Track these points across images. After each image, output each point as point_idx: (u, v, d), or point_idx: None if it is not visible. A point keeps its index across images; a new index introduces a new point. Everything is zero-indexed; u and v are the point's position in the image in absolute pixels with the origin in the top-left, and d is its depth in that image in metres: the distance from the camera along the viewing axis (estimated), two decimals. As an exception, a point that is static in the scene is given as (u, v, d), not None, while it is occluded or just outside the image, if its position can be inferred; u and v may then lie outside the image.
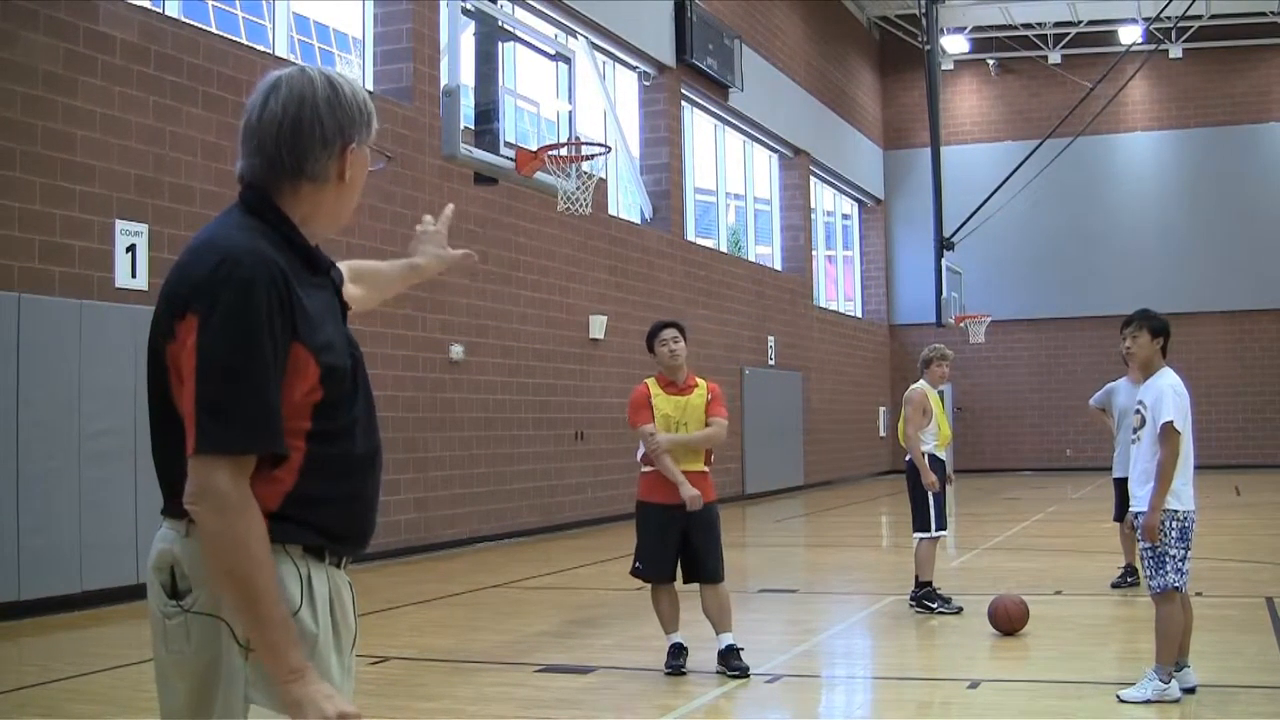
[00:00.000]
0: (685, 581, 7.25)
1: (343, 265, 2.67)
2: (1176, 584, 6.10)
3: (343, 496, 2.32)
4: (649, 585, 7.30)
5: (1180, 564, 6.12)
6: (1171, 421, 6.12)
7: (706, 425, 7.21)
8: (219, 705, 2.20)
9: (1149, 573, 6.23)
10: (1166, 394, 6.22)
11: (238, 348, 2.13)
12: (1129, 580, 9.81)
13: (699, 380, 7.34)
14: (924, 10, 25.69)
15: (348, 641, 2.36)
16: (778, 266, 25.90)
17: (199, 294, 2.17)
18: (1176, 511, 6.15)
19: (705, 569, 7.19)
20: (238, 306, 2.14)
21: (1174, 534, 6.13)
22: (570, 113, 11.23)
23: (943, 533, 9.35)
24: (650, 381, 7.32)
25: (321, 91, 2.33)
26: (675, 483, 7.07)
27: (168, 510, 2.28)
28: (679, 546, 7.17)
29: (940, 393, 9.54)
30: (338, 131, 2.33)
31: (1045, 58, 30.69)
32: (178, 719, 2.25)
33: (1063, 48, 30.54)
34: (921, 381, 9.44)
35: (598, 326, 17.44)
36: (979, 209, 23.38)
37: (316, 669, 2.19)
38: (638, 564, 7.28)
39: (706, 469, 7.26)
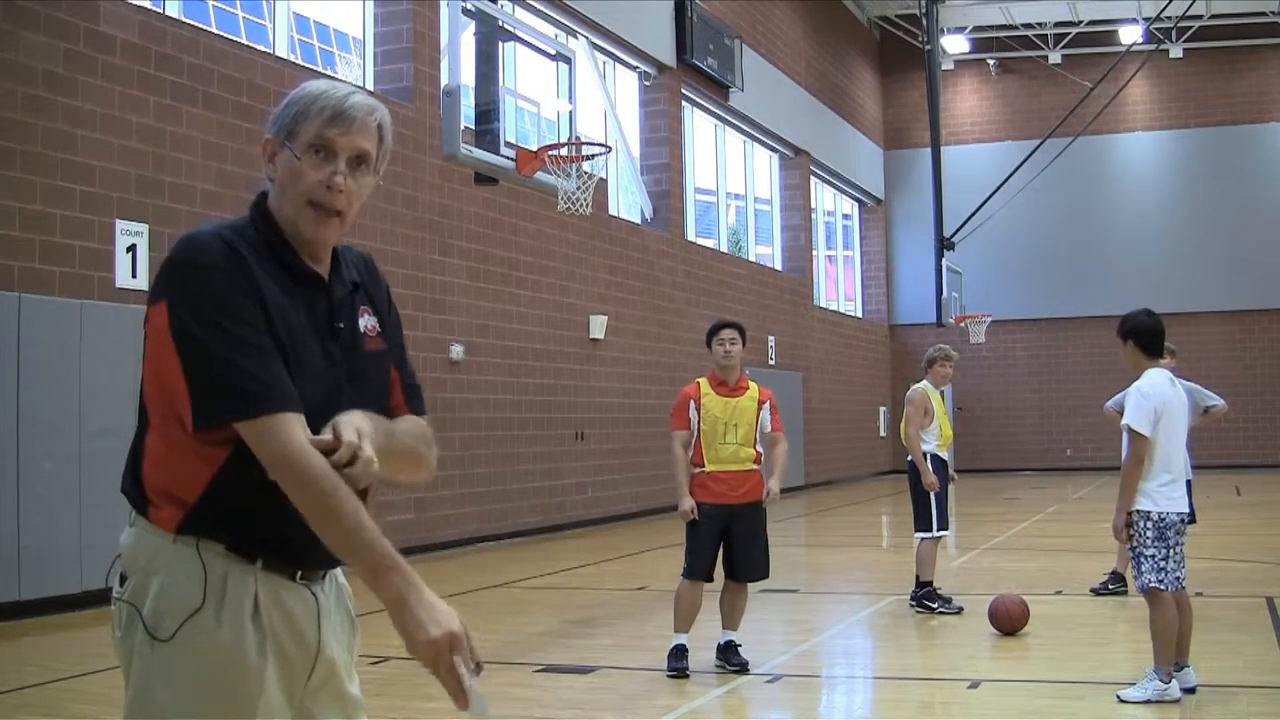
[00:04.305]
0: (726, 578, 7.28)
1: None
2: (1155, 584, 6.09)
3: (272, 504, 2.22)
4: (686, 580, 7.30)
5: (1161, 564, 6.09)
6: (1129, 424, 6.13)
7: (761, 434, 7.30)
8: (129, 692, 2.24)
9: (1135, 572, 6.25)
10: (1131, 396, 6.23)
11: (217, 320, 2.18)
12: (1110, 587, 9.76)
13: (750, 383, 7.38)
14: (924, 10, 25.69)
15: (299, 657, 2.31)
16: (778, 266, 25.90)
17: (164, 282, 2.25)
18: (1149, 513, 6.13)
19: (741, 568, 7.24)
20: (203, 286, 2.21)
21: (1148, 535, 6.12)
22: (570, 113, 11.23)
23: (944, 533, 9.36)
24: (703, 381, 7.37)
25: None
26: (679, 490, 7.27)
27: (124, 493, 2.34)
28: (720, 545, 7.20)
29: (941, 393, 9.54)
30: (269, 127, 2.39)
31: (1045, 58, 30.69)
32: (126, 714, 2.28)
33: (1063, 48, 30.54)
34: (924, 381, 9.45)
35: (598, 326, 17.44)
36: (979, 209, 23.38)
37: (219, 669, 2.20)
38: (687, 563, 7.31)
39: (757, 467, 7.29)
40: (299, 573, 2.33)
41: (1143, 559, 6.12)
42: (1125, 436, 6.24)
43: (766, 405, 7.32)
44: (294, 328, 2.30)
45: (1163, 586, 6.10)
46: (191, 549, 2.23)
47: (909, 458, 9.27)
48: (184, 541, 2.23)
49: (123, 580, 2.28)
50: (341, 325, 2.41)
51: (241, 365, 2.17)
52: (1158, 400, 6.18)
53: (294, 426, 2.18)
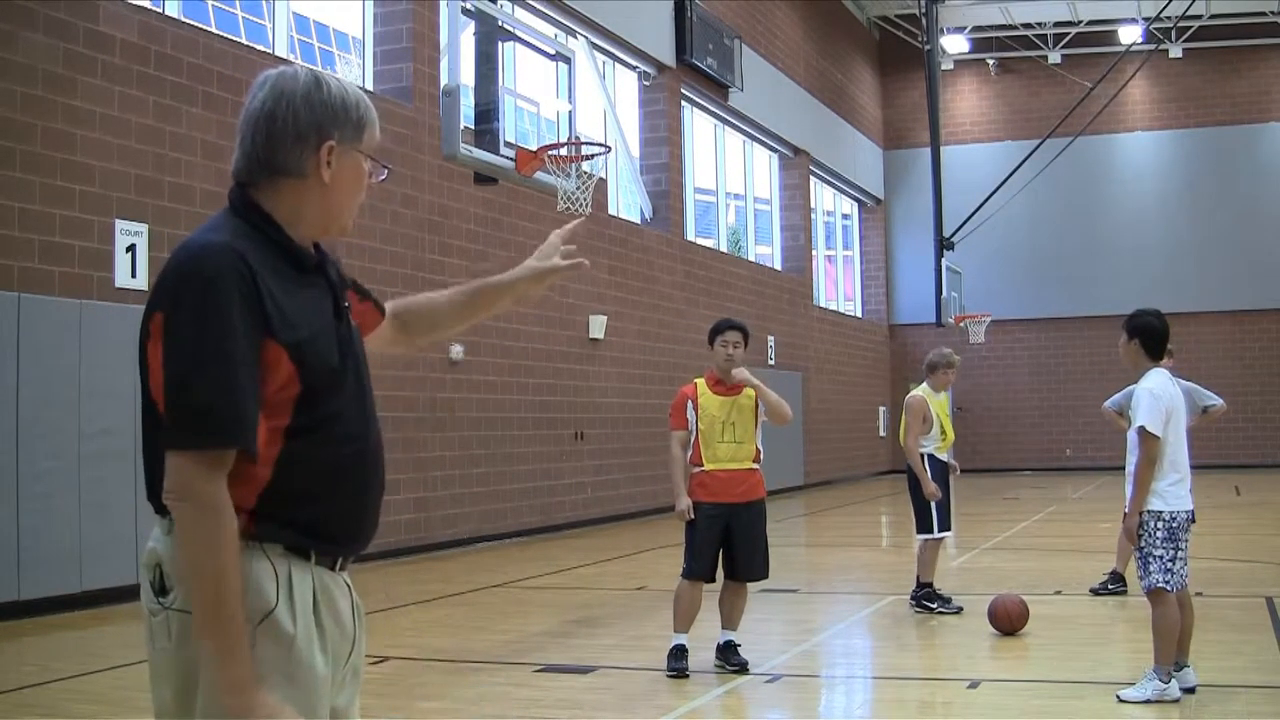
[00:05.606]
0: (726, 578, 7.27)
1: (387, 305, 2.72)
2: (1162, 584, 6.09)
3: (326, 494, 2.27)
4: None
5: (1169, 564, 6.09)
6: (1144, 426, 6.12)
7: (761, 417, 7.30)
8: (200, 704, 2.18)
9: (1140, 573, 6.25)
10: (1142, 398, 6.21)
11: (203, 345, 2.12)
12: (1109, 587, 9.76)
13: None
14: (924, 10, 25.69)
15: (341, 646, 2.33)
16: (778, 266, 25.90)
17: (166, 292, 2.18)
18: (1161, 513, 6.13)
19: (740, 568, 7.23)
20: (202, 303, 2.14)
21: (1159, 535, 6.11)
22: (570, 113, 11.23)
23: (946, 534, 9.34)
24: (700, 381, 7.39)
25: (302, 87, 2.32)
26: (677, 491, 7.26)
27: (154, 507, 2.28)
28: (720, 545, 7.19)
29: (941, 395, 9.51)
30: (313, 127, 2.31)
31: (1045, 58, 30.69)
32: (167, 719, 2.23)
33: (1063, 48, 30.54)
34: (923, 385, 9.41)
35: (598, 326, 17.44)
36: (979, 209, 23.38)
37: (294, 668, 2.19)
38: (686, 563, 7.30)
39: (756, 466, 7.30)
40: (339, 561, 2.35)
41: (1151, 559, 6.12)
42: (1131, 438, 6.23)
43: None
44: (323, 330, 2.29)
45: (1169, 588, 6.10)
46: (257, 551, 2.21)
47: (909, 462, 9.25)
48: (246, 545, 2.19)
49: (164, 590, 2.22)
50: (347, 304, 2.43)
51: (219, 390, 2.11)
52: (1167, 401, 6.20)
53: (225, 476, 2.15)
